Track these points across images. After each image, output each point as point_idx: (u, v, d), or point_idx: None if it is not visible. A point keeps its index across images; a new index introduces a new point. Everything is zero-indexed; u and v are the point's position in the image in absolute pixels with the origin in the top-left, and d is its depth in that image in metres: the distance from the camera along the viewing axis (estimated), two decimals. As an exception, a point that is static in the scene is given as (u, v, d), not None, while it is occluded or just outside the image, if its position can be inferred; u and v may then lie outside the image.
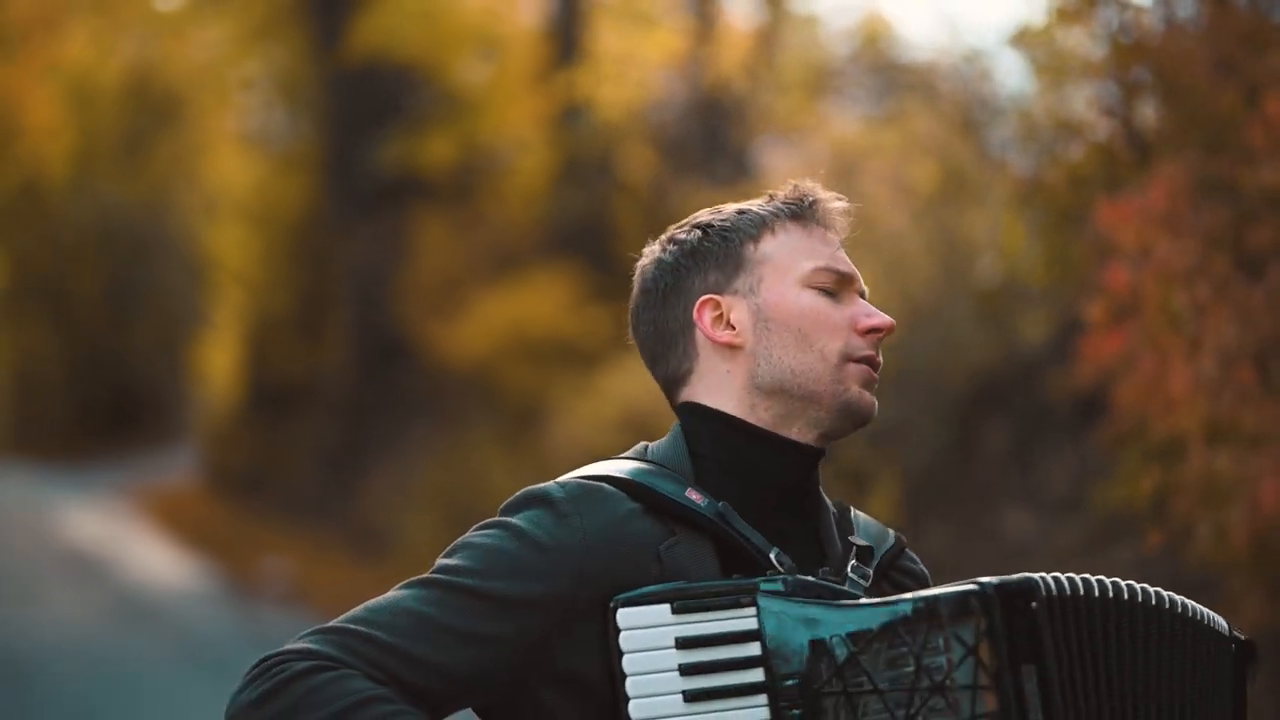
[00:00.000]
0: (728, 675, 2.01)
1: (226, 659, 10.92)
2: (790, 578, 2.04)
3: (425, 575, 2.05)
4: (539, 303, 13.32)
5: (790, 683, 2.01)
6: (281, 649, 2.00)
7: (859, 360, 2.15)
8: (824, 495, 2.20)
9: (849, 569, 2.12)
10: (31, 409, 25.85)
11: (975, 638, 1.98)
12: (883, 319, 2.17)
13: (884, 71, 12.53)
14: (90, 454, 24.07)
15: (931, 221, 8.43)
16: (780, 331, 2.15)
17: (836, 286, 2.18)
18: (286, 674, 1.97)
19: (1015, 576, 2.03)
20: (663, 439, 2.18)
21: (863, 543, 2.17)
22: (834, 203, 2.23)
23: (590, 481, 2.09)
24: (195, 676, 10.48)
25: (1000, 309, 7.81)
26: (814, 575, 2.08)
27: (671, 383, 2.21)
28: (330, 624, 2.02)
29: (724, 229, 2.19)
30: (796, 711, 2.00)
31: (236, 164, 20.31)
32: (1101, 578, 2.08)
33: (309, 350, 17.54)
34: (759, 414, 2.15)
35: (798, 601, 2.03)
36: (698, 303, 2.17)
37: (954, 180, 8.39)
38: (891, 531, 2.25)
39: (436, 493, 13.11)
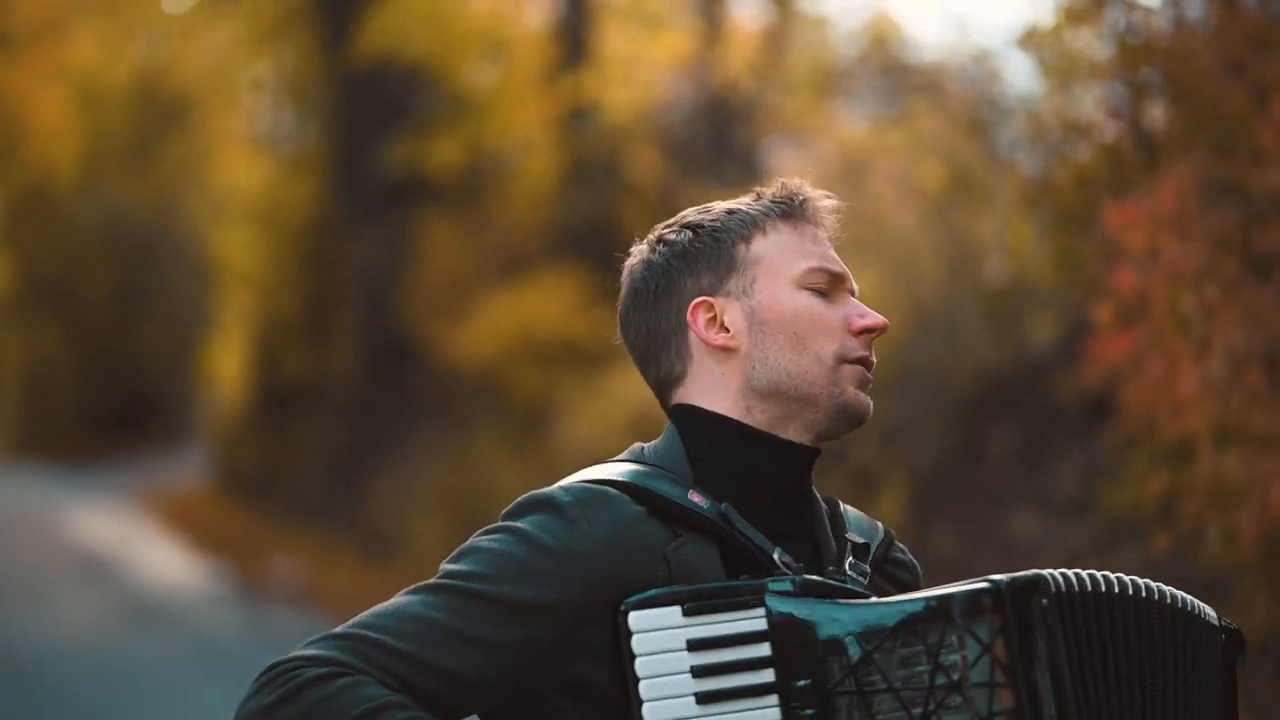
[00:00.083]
0: (739, 676, 2.01)
1: (235, 660, 10.93)
2: (799, 578, 2.04)
3: (433, 581, 2.03)
4: (546, 304, 13.33)
5: (802, 683, 2.01)
6: (290, 655, 1.98)
7: (854, 361, 2.14)
8: (815, 493, 2.20)
9: (847, 566, 2.13)
10: (40, 411, 25.89)
11: (991, 635, 1.98)
12: (876, 319, 2.16)
13: (892, 72, 12.52)
14: (99, 456, 24.11)
15: (939, 222, 8.42)
16: (775, 334, 2.14)
17: (829, 286, 2.17)
18: (299, 680, 1.95)
19: (1025, 573, 2.04)
20: (657, 440, 2.18)
21: (859, 540, 2.18)
22: (823, 200, 2.22)
23: (595, 485, 2.08)
24: (203, 677, 10.49)
25: (1008, 310, 7.80)
26: (820, 575, 2.09)
27: (664, 384, 2.20)
28: (338, 630, 2.00)
29: (715, 230, 2.18)
30: (810, 711, 2.01)
31: (244, 166, 20.33)
32: (1106, 573, 2.10)
33: (317, 352, 17.56)
34: (755, 416, 2.14)
35: (807, 601, 2.03)
36: (691, 305, 2.16)
37: (962, 181, 8.38)
38: (879, 524, 2.26)
39: (444, 494, 13.11)
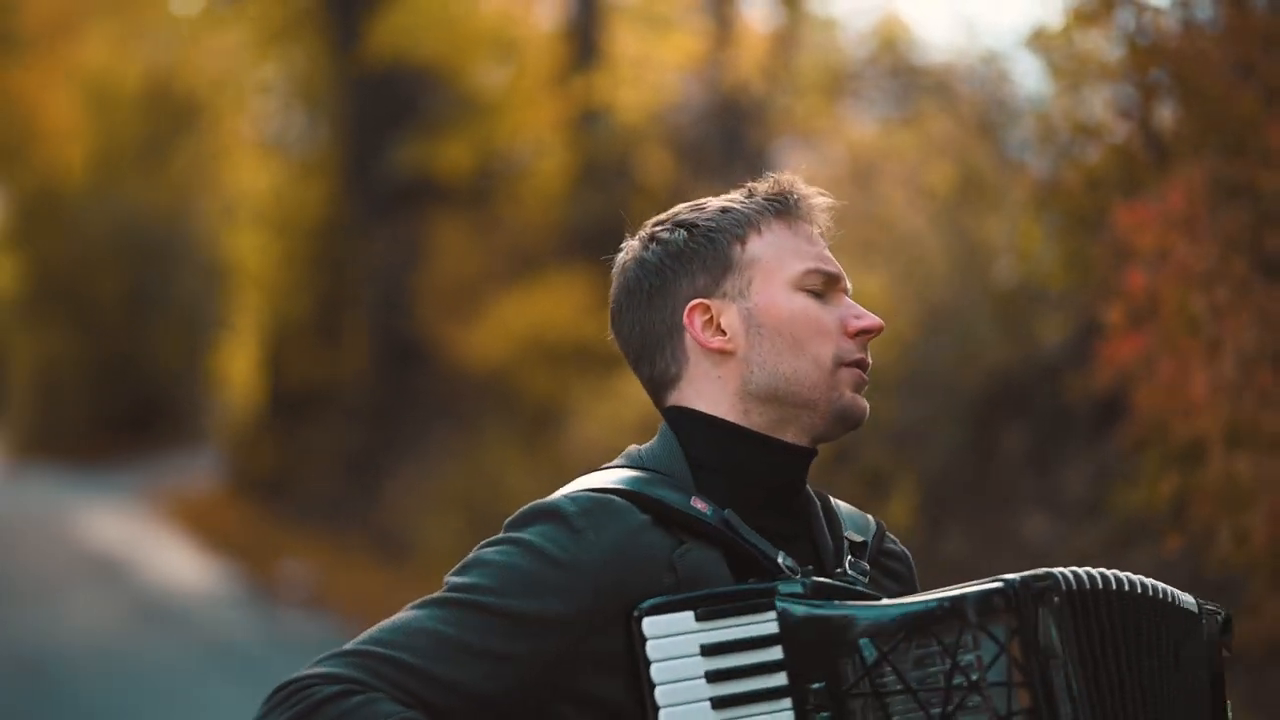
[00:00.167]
0: (753, 680, 2.01)
1: (246, 662, 10.96)
2: (808, 580, 2.04)
3: (439, 594, 2.02)
4: (557, 306, 13.34)
5: (817, 685, 2.01)
6: (301, 673, 1.96)
7: (851, 364, 2.13)
8: (809, 490, 2.19)
9: (848, 565, 2.13)
10: (51, 412, 25.95)
11: (1007, 635, 1.98)
12: (872, 320, 2.15)
13: (901, 74, 12.51)
14: (110, 458, 24.16)
15: (949, 224, 8.42)
16: (772, 337, 2.12)
17: (824, 287, 2.15)
18: (314, 699, 1.93)
19: (1037, 572, 2.04)
20: (652, 442, 2.16)
21: (857, 538, 2.17)
22: (816, 198, 2.19)
23: (600, 494, 2.05)
24: (216, 679, 10.50)
25: (1018, 312, 7.79)
26: (829, 577, 2.09)
27: (658, 385, 2.18)
28: (348, 647, 1.99)
29: (709, 229, 2.15)
30: (825, 714, 2.00)
31: (255, 168, 20.35)
32: (1115, 571, 2.11)
33: (328, 354, 17.58)
34: (753, 419, 2.12)
35: (818, 603, 2.03)
36: (687, 307, 2.14)
37: (971, 182, 8.38)
38: (870, 517, 2.25)
39: (456, 496, 13.12)
